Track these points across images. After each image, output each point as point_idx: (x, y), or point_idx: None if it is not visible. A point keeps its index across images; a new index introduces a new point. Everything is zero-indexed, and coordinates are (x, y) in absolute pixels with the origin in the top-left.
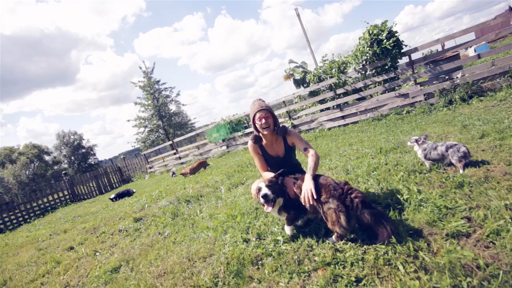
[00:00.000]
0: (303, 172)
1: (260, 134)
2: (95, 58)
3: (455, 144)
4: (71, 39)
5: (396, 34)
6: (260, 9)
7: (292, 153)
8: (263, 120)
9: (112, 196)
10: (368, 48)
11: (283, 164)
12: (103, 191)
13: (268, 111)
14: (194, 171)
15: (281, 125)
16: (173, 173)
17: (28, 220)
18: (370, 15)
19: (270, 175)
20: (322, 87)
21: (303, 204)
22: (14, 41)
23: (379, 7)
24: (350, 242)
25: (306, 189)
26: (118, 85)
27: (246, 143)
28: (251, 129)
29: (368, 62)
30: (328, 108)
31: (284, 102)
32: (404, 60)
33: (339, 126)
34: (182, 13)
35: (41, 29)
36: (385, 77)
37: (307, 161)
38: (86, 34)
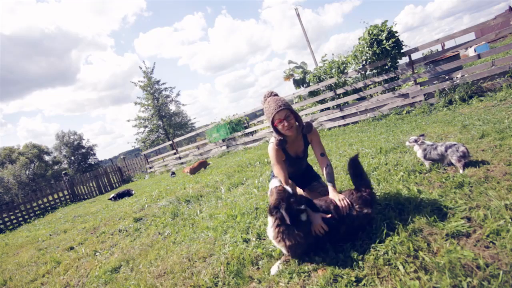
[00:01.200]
0: (316, 177)
1: (283, 137)
2: (95, 58)
3: (454, 144)
4: (71, 39)
5: (396, 34)
6: (260, 9)
7: (307, 151)
8: (285, 123)
9: (112, 196)
10: (368, 48)
11: (300, 166)
12: (103, 191)
13: (287, 109)
14: (194, 171)
15: (305, 122)
16: (173, 173)
17: (28, 220)
18: (370, 15)
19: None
20: (322, 87)
21: (342, 212)
22: (14, 41)
23: (379, 7)
24: (349, 242)
25: (341, 199)
26: (118, 85)
27: (246, 143)
28: (251, 129)
29: (368, 62)
30: (328, 108)
31: None
32: (404, 60)
33: (339, 126)
34: (182, 13)
35: (41, 29)
36: (385, 77)
37: (325, 170)
38: (87, 34)
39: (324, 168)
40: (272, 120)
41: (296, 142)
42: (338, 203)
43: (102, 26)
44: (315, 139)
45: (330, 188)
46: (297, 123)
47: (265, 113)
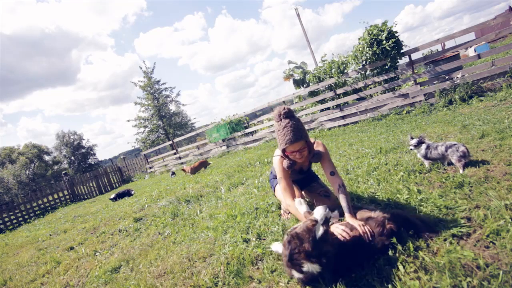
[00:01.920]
0: (315, 178)
1: (292, 161)
2: (95, 58)
3: (454, 144)
4: (71, 39)
5: (396, 35)
6: (260, 8)
7: (311, 165)
8: (297, 155)
9: (112, 196)
10: (368, 49)
11: (305, 177)
12: (103, 191)
13: (303, 141)
14: (194, 170)
15: (316, 151)
16: (173, 172)
17: (28, 220)
18: (370, 15)
19: (297, 208)
20: (322, 87)
21: (366, 239)
22: (14, 40)
23: (379, 7)
24: None
25: (362, 225)
26: (119, 85)
27: (246, 143)
28: (251, 129)
29: (368, 62)
30: (328, 108)
31: (284, 102)
32: (404, 60)
33: (339, 126)
34: (183, 13)
35: (41, 28)
36: (385, 77)
37: (338, 193)
38: (87, 33)
39: (337, 190)
40: (284, 148)
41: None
42: (359, 228)
43: (103, 26)
44: (325, 158)
45: (347, 215)
46: (309, 152)
47: (278, 137)
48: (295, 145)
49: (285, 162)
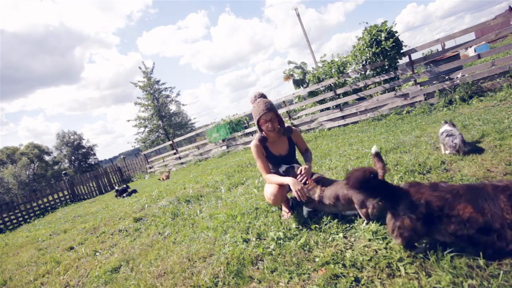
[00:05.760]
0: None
1: (265, 134)
2: (98, 57)
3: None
4: (76, 36)
5: (396, 35)
6: (263, 7)
7: (294, 153)
8: (269, 124)
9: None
10: (367, 49)
11: (285, 164)
12: (103, 191)
13: (272, 112)
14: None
15: (286, 126)
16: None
17: (28, 220)
18: (373, 14)
19: (274, 177)
20: (322, 87)
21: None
22: (18, 38)
23: (382, 6)
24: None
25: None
26: (121, 84)
27: (246, 143)
28: (251, 129)
29: (368, 62)
30: (328, 108)
31: (284, 102)
32: (404, 60)
33: (339, 126)
34: (186, 11)
35: (45, 25)
36: (385, 77)
37: (306, 156)
38: (91, 31)
39: (305, 153)
40: (258, 119)
41: (279, 143)
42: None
43: (108, 23)
44: (299, 138)
45: (307, 165)
46: (279, 126)
47: (253, 112)
48: (267, 114)
49: (258, 136)
